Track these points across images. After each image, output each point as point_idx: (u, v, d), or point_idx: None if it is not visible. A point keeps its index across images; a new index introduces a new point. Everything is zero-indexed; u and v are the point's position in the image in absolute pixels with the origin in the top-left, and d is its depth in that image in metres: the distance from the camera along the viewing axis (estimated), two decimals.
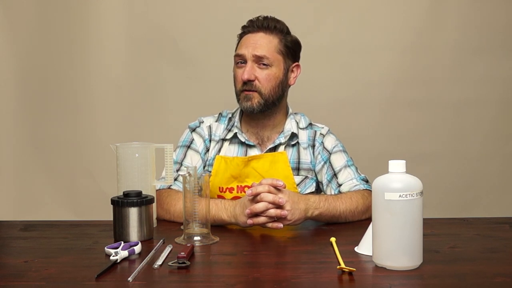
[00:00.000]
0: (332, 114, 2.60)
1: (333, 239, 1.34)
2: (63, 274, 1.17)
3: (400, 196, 1.13)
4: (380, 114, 2.61)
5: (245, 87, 1.72)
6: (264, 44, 1.72)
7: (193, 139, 1.81)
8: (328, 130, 1.84)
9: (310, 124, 1.84)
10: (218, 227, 1.52)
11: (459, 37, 2.56)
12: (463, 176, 2.62)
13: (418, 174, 1.18)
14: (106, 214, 1.51)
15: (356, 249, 1.30)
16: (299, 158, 1.77)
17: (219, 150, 1.78)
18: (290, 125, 1.79)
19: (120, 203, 1.38)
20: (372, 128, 2.61)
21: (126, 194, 1.40)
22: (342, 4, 2.58)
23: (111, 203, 1.40)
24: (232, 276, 1.15)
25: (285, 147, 1.77)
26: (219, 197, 1.73)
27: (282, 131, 1.79)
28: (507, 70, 2.58)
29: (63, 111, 2.63)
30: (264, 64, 1.71)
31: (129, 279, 1.11)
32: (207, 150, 1.80)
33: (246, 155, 1.76)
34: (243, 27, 1.79)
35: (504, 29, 2.56)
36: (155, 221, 1.52)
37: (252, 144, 1.76)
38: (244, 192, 1.70)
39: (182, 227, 1.41)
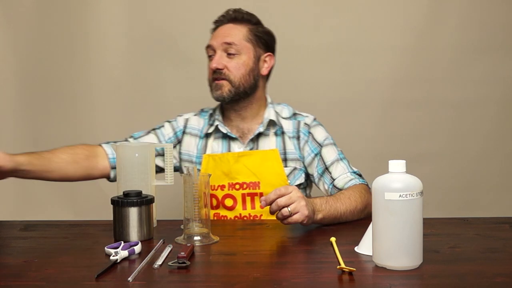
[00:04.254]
0: (332, 114, 2.60)
1: (333, 239, 1.34)
2: (63, 274, 1.17)
3: (400, 196, 1.13)
4: (380, 114, 2.61)
5: (214, 76, 1.74)
6: (232, 33, 1.75)
7: (162, 126, 1.85)
8: (314, 120, 1.82)
9: (295, 114, 1.83)
10: (218, 227, 1.52)
11: (459, 37, 2.55)
12: (463, 176, 2.62)
13: (418, 174, 1.18)
14: (106, 214, 1.51)
15: (356, 249, 1.30)
16: (285, 149, 1.76)
17: (205, 148, 1.79)
18: (268, 114, 1.79)
19: (120, 203, 1.38)
20: (372, 128, 2.61)
21: (126, 194, 1.40)
22: (342, 4, 2.58)
23: (111, 203, 1.40)
24: (232, 276, 1.15)
25: (270, 137, 1.76)
26: (211, 195, 1.73)
27: (262, 121, 1.79)
28: (507, 70, 2.58)
29: (63, 111, 2.63)
30: (232, 54, 1.73)
31: (129, 279, 1.11)
32: (178, 142, 1.83)
33: (229, 149, 1.77)
34: (215, 22, 1.82)
35: (504, 29, 2.56)
36: (155, 221, 1.52)
37: (234, 136, 1.77)
38: (235, 189, 1.71)
39: (182, 227, 1.41)
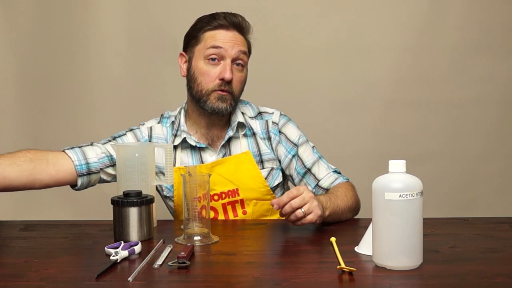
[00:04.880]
0: (332, 114, 2.60)
1: (333, 239, 1.34)
2: (63, 274, 1.17)
3: (400, 196, 1.13)
4: (380, 114, 2.61)
5: (222, 87, 1.62)
6: (241, 43, 1.66)
7: (125, 134, 1.72)
8: (281, 115, 1.75)
9: (260, 112, 1.75)
10: (218, 227, 1.52)
11: (459, 37, 2.56)
12: (463, 176, 2.62)
13: (418, 174, 1.18)
14: (106, 214, 1.51)
15: (356, 249, 1.30)
16: (259, 150, 1.71)
17: (174, 160, 1.68)
18: (235, 117, 1.70)
19: (120, 203, 1.38)
20: (372, 128, 2.61)
21: (126, 194, 1.40)
22: (342, 4, 2.58)
23: (111, 203, 1.40)
24: (232, 276, 1.15)
25: (241, 140, 1.70)
26: None
27: (230, 125, 1.71)
28: (507, 70, 2.58)
29: (63, 111, 2.63)
30: (241, 65, 1.66)
31: (129, 279, 1.11)
32: None
33: (201, 159, 1.69)
34: (211, 21, 1.66)
35: (504, 29, 2.56)
36: (155, 221, 1.52)
37: (203, 146, 1.69)
38: (214, 200, 1.65)
39: (182, 227, 1.41)
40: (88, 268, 1.18)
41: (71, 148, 1.63)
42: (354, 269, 1.13)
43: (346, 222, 1.57)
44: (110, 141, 1.69)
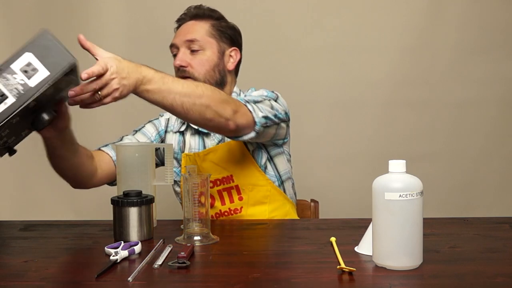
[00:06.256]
0: (332, 114, 2.60)
1: (333, 239, 1.34)
2: (63, 274, 1.17)
3: (400, 196, 1.13)
4: (380, 114, 2.61)
5: (178, 74, 1.70)
6: (194, 29, 1.73)
7: (144, 126, 1.82)
8: (254, 90, 1.73)
9: (245, 95, 1.71)
10: (218, 227, 1.52)
11: (459, 37, 2.56)
12: (463, 176, 2.62)
13: (418, 174, 1.18)
14: (106, 214, 1.51)
15: (356, 249, 1.30)
16: None
17: (184, 145, 1.77)
18: None
19: (120, 203, 1.38)
20: (372, 128, 2.61)
21: (126, 194, 1.40)
22: (342, 4, 2.58)
23: (111, 203, 1.40)
24: (232, 276, 1.15)
25: None
26: None
27: None
28: (507, 70, 2.58)
29: None
30: (195, 50, 1.70)
31: (129, 279, 1.11)
32: (162, 141, 1.81)
33: (204, 145, 1.75)
34: (177, 21, 1.80)
35: (504, 29, 2.56)
36: (155, 221, 1.52)
37: (205, 131, 1.73)
38: (210, 187, 1.62)
39: (182, 226, 1.41)
40: (88, 268, 1.18)
41: (105, 146, 1.73)
42: (354, 269, 1.13)
43: (346, 222, 1.56)
44: (133, 135, 1.79)
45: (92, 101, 1.29)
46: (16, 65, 1.16)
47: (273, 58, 2.55)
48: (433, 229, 1.46)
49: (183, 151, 1.77)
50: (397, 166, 1.16)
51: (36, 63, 1.18)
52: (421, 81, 2.58)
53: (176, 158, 1.77)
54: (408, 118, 2.60)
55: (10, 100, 1.15)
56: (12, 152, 1.31)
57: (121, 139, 1.77)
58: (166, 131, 1.81)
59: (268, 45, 2.54)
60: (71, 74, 1.23)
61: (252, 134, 1.54)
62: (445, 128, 2.61)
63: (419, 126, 2.61)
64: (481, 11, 2.55)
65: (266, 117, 1.56)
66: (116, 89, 1.30)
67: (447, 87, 2.59)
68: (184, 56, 1.71)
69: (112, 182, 1.73)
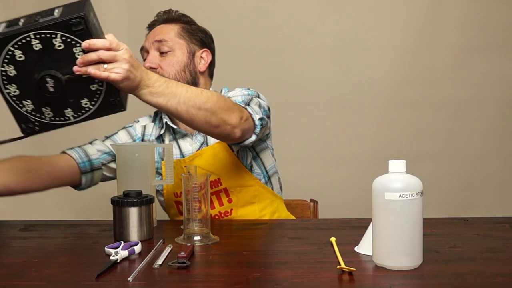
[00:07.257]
0: (332, 114, 2.60)
1: (333, 239, 1.34)
2: (63, 274, 1.17)
3: (400, 196, 1.13)
4: (380, 114, 2.61)
5: None
6: (164, 31, 1.73)
7: (116, 133, 1.77)
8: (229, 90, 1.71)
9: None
10: (218, 227, 1.52)
11: (459, 37, 2.56)
12: (463, 176, 2.62)
13: (418, 174, 1.18)
14: (106, 214, 1.51)
15: (356, 249, 1.30)
16: None
17: (163, 153, 1.71)
18: None
19: (120, 203, 1.38)
20: (372, 128, 2.61)
21: (126, 194, 1.40)
22: (342, 4, 2.58)
23: (111, 203, 1.40)
24: (232, 276, 1.15)
25: None
26: (176, 202, 1.70)
27: None
28: (507, 70, 2.58)
29: None
30: (165, 52, 1.70)
31: (129, 279, 1.11)
32: None
33: (181, 150, 1.71)
34: (147, 26, 1.80)
35: (504, 29, 2.56)
36: (155, 221, 1.52)
37: (184, 132, 1.71)
38: None
39: (182, 226, 1.41)
40: (88, 268, 1.18)
41: (71, 149, 1.68)
42: (354, 269, 1.13)
43: (346, 222, 1.56)
44: (104, 141, 1.74)
45: (95, 70, 1.23)
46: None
47: (273, 57, 2.55)
48: (433, 229, 1.46)
49: (163, 159, 1.71)
50: (397, 166, 1.16)
51: (58, 10, 1.27)
52: (421, 81, 2.58)
53: (156, 168, 1.69)
54: (408, 118, 2.60)
55: (18, 26, 1.30)
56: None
57: (91, 143, 1.72)
58: (143, 140, 1.77)
59: (268, 45, 2.54)
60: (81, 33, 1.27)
61: (253, 138, 1.53)
62: (445, 128, 2.61)
63: (419, 126, 2.61)
64: (481, 11, 2.55)
65: (261, 118, 1.55)
66: (124, 70, 1.24)
67: (447, 87, 2.59)
68: (153, 58, 1.71)
69: (77, 186, 1.68)
